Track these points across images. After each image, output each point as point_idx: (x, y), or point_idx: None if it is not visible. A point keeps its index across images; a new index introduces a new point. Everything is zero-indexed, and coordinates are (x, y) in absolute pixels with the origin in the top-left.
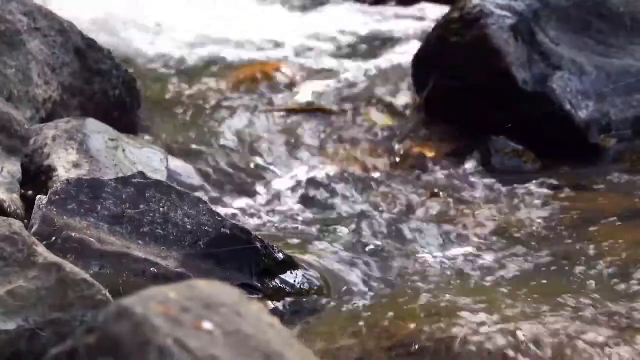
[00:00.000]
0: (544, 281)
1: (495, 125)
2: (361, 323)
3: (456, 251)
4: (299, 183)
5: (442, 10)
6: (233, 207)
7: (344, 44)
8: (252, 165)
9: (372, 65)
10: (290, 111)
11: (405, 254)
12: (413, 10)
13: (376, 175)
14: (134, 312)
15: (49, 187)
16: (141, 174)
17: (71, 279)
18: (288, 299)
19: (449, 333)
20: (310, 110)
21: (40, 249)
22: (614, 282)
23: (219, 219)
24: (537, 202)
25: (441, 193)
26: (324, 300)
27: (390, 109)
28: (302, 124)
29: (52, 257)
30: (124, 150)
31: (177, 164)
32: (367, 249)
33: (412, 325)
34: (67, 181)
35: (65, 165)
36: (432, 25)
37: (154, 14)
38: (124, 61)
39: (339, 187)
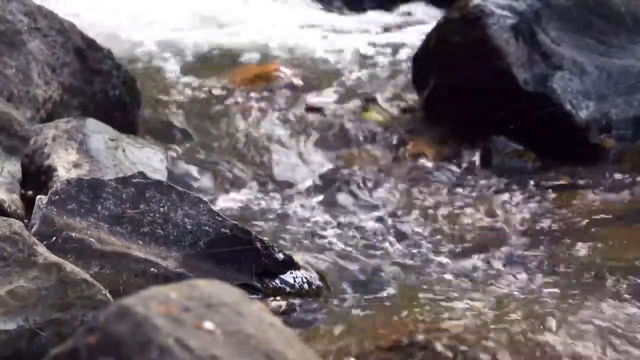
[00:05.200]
0: (544, 281)
1: (496, 125)
2: (361, 323)
3: (457, 251)
4: (298, 183)
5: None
6: (233, 206)
7: (344, 45)
8: (251, 165)
9: (372, 65)
10: (290, 111)
11: (405, 253)
12: (412, 11)
13: (376, 175)
14: (135, 311)
15: (49, 187)
16: (141, 174)
17: (71, 279)
18: (288, 299)
19: (448, 333)
20: (310, 110)
21: (41, 249)
22: (614, 281)
23: (219, 219)
24: (538, 201)
25: (441, 193)
26: (324, 300)
27: (390, 109)
28: (301, 124)
29: (52, 257)
30: (124, 150)
31: (177, 163)
32: (366, 248)
33: (412, 325)
34: (67, 181)
35: (65, 165)
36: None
37: (154, 14)
38: (124, 61)
39: (339, 187)
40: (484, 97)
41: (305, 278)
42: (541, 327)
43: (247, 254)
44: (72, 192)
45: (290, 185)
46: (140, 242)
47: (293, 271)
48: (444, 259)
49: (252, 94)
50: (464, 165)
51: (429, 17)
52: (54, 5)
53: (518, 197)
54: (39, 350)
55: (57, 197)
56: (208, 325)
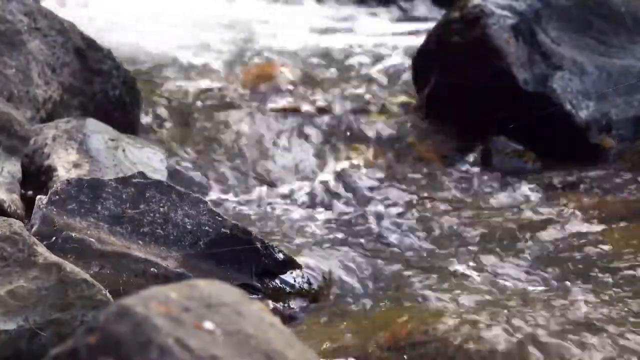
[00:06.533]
0: (544, 281)
1: (496, 125)
2: (361, 323)
3: (456, 251)
4: (299, 183)
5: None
6: (233, 206)
7: (344, 44)
8: (252, 165)
9: (372, 65)
10: (291, 111)
11: (405, 253)
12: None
13: (376, 175)
14: (135, 311)
15: (49, 187)
16: (141, 174)
17: (71, 279)
18: (288, 299)
19: (448, 333)
20: (310, 110)
21: (41, 249)
22: (614, 281)
23: (219, 219)
24: (538, 202)
25: (441, 193)
26: (324, 300)
27: (390, 109)
28: (301, 124)
29: (52, 257)
30: (124, 150)
31: (177, 163)
32: (366, 248)
33: (412, 325)
34: (67, 181)
35: (65, 165)
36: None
37: (154, 14)
38: (124, 61)
39: (339, 187)
40: (484, 97)
41: (305, 278)
42: (541, 326)
43: (247, 254)
44: (72, 192)
45: (290, 185)
46: (140, 242)
47: (293, 271)
48: (444, 259)
49: (253, 94)
50: (464, 165)
51: (431, 16)
52: (54, 5)
53: (518, 197)
54: (39, 350)
55: (57, 197)
56: (208, 325)
